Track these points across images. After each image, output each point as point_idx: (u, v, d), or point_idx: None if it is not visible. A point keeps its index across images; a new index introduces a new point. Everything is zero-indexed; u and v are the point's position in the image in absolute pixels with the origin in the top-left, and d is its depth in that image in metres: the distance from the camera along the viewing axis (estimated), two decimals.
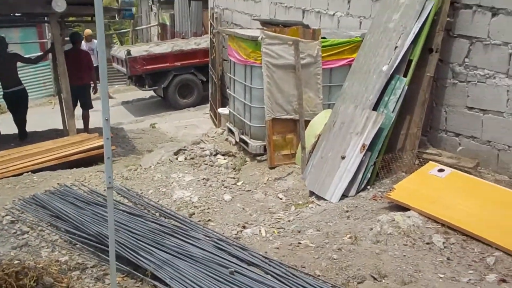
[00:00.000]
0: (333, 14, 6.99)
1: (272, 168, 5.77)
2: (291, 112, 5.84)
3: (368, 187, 4.64)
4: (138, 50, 11.83)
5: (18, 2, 7.47)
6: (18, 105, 8.73)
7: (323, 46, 5.87)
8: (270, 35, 5.74)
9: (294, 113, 5.83)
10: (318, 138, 5.38)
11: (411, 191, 4.06)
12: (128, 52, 11.52)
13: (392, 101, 4.84)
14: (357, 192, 4.57)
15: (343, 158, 4.71)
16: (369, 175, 4.66)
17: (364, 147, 4.62)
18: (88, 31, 13.05)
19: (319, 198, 4.72)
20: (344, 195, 4.57)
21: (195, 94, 12.34)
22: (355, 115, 4.94)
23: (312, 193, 4.88)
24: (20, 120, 8.80)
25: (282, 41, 5.75)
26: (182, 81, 11.99)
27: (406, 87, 4.81)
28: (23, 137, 8.73)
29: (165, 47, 11.98)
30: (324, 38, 5.94)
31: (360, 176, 4.61)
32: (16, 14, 8.94)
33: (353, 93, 5.22)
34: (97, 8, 2.96)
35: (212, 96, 10.00)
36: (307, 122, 5.76)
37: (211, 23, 10.58)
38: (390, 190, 4.16)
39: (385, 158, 4.71)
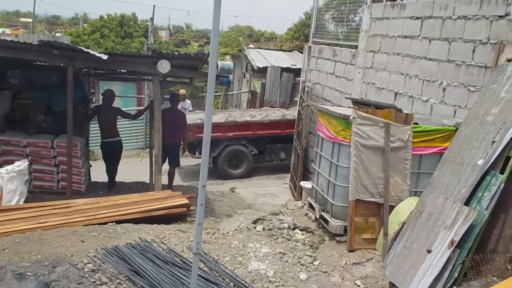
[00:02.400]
0: (427, 100, 6.92)
1: (351, 251, 5.61)
2: (376, 195, 5.71)
3: (455, 287, 4.35)
4: (192, 117, 12.16)
5: (127, 60, 8.10)
6: (112, 156, 9.27)
7: (414, 132, 5.77)
8: (362, 116, 5.74)
9: (379, 197, 5.70)
10: (403, 226, 5.19)
11: None
12: None
13: (486, 197, 4.60)
14: None
15: (429, 252, 4.49)
16: (456, 274, 4.38)
17: (452, 243, 4.38)
18: (182, 91, 13.80)
19: None
20: None
21: (245, 165, 12.49)
22: (444, 208, 4.74)
23: (392, 285, 4.65)
24: (111, 170, 9.30)
25: (374, 123, 5.72)
26: (232, 151, 12.21)
27: (503, 185, 4.57)
28: (112, 187, 9.18)
29: (220, 117, 12.31)
30: (416, 123, 5.86)
31: (447, 274, 4.35)
32: (122, 70, 9.68)
33: (444, 183, 5.04)
34: (210, 78, 3.11)
35: (293, 168, 10.06)
36: (391, 207, 5.60)
37: (301, 96, 10.82)
38: None
39: (475, 258, 4.43)
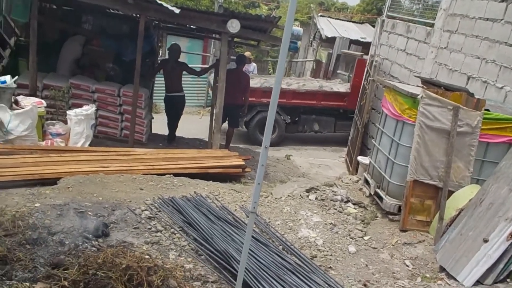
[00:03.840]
0: (502, 87, 6.60)
1: (403, 230, 5.55)
2: (435, 178, 5.58)
3: (508, 279, 4.24)
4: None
5: (199, 16, 8.15)
6: (175, 110, 9.47)
7: (484, 118, 5.55)
8: (431, 96, 5.57)
9: (438, 180, 5.57)
10: (460, 212, 5.07)
11: None
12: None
13: None
14: (494, 282, 4.20)
15: (485, 241, 4.37)
16: (511, 267, 4.27)
17: None
18: (248, 53, 13.76)
19: (449, 276, 4.42)
20: (478, 281, 4.23)
21: (276, 133, 12.26)
22: (508, 199, 4.58)
23: (442, 269, 4.59)
24: (172, 123, 9.51)
25: (442, 104, 5.55)
26: (265, 118, 11.76)
27: None
28: (171, 140, 9.40)
29: (255, 81, 12.03)
30: (487, 110, 5.63)
31: (502, 265, 4.23)
32: (192, 26, 9.75)
33: (510, 174, 4.85)
34: (284, 43, 3.08)
35: (351, 142, 9.95)
36: (450, 192, 5.48)
37: (367, 70, 10.58)
38: None
39: None
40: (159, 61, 10.42)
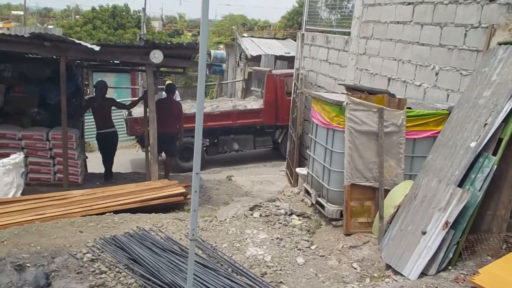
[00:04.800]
0: (420, 85, 6.96)
1: (347, 234, 5.68)
2: (370, 179, 5.78)
3: (450, 267, 4.43)
4: (140, 111, 11.60)
5: (120, 51, 8.09)
6: (108, 146, 9.29)
7: (408, 116, 5.82)
8: (355, 101, 5.78)
9: (373, 181, 5.77)
10: (398, 209, 5.26)
11: (497, 277, 3.84)
12: (129, 113, 11.63)
13: (479, 179, 4.67)
14: (438, 271, 4.37)
15: (424, 233, 4.56)
16: (451, 254, 4.45)
17: (447, 224, 4.45)
18: (169, 82, 13.79)
19: (396, 272, 4.56)
20: (423, 273, 4.38)
21: None
22: (438, 190, 4.81)
23: (388, 267, 4.73)
24: (108, 161, 9.32)
25: (367, 108, 5.77)
26: (183, 144, 11.40)
27: (495, 166, 4.63)
28: (108, 177, 9.20)
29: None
30: (409, 108, 5.91)
31: (442, 255, 4.42)
32: (115, 61, 9.65)
33: (437, 166, 5.10)
34: (200, 67, 3.14)
35: (289, 155, 10.11)
36: (386, 191, 5.68)
37: (295, 83, 10.84)
38: (474, 274, 3.96)
39: (469, 238, 4.50)
40: (86, 100, 10.22)
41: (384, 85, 7.78)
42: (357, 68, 8.86)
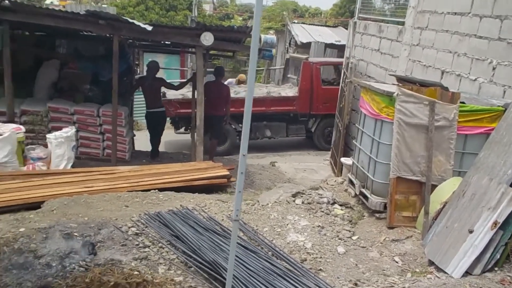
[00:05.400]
0: (475, 80, 6.73)
1: (390, 228, 5.60)
2: (417, 173, 5.66)
3: (496, 268, 4.29)
4: (174, 93, 11.80)
5: (171, 32, 8.18)
6: (156, 125, 9.47)
7: (460, 111, 5.65)
8: (406, 93, 5.65)
9: (420, 175, 5.65)
10: (444, 205, 5.13)
11: None
12: (163, 95, 11.54)
13: None
14: (483, 271, 4.25)
15: (470, 232, 4.43)
16: (498, 255, 4.32)
17: (496, 224, 4.31)
18: (242, 76, 13.83)
19: (438, 269, 4.47)
20: (467, 272, 4.27)
21: (228, 142, 12.21)
22: (489, 188, 4.65)
23: (431, 263, 4.63)
24: (155, 139, 9.51)
25: (418, 100, 5.63)
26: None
27: None
28: (155, 156, 9.39)
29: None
30: (462, 102, 5.73)
31: (488, 255, 4.29)
32: (167, 42, 9.78)
33: (489, 164, 4.93)
34: (253, 51, 3.13)
35: (334, 144, 10.02)
36: (433, 187, 5.54)
37: (344, 72, 10.69)
38: None
39: None
40: (136, 79, 10.42)
41: (437, 78, 7.56)
42: (410, 59, 8.64)
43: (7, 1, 7.31)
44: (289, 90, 13.34)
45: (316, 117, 13.06)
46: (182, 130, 12.41)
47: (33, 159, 7.19)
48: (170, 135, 10.53)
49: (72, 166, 7.40)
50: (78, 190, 6.14)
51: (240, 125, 12.14)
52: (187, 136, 12.18)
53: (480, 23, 6.74)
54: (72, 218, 5.08)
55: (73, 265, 3.88)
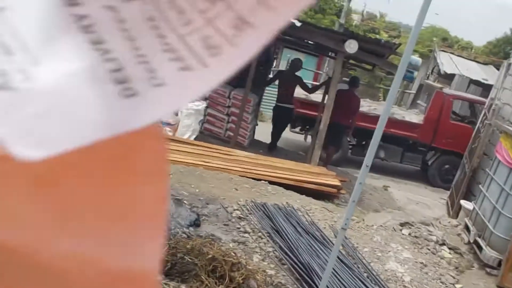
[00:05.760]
0: None
1: (500, 287, 5.14)
2: None
3: None
4: (298, 92, 10.66)
5: (318, 32, 8.20)
6: (282, 120, 9.63)
7: None
8: None
9: None
10: None
11: None
12: None
13: None
14: None
15: None
16: None
17: None
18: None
19: None
20: None
21: (339, 153, 11.11)
22: None
23: None
24: (276, 133, 9.66)
25: None
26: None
27: None
28: (272, 149, 9.53)
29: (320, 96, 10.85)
30: None
31: None
32: (310, 42, 9.82)
33: None
34: (400, 68, 3.03)
35: (456, 184, 9.42)
36: None
37: (485, 113, 10.01)
38: None
39: None
40: (275, 72, 10.60)
41: None
42: None
43: None
44: (415, 116, 12.75)
45: (436, 150, 12.29)
46: (297, 129, 12.37)
47: (163, 124, 7.61)
48: (286, 132, 10.61)
49: (195, 139, 7.75)
50: (195, 162, 6.41)
51: (355, 139, 11.87)
52: (302, 137, 12.21)
53: None
54: (185, 186, 5.32)
55: (178, 229, 4.05)
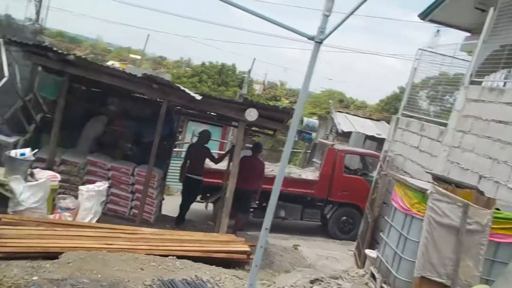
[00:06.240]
0: None
1: None
2: (443, 276, 5.41)
3: None
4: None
5: (219, 103, 8.42)
6: (191, 192, 9.60)
7: (495, 217, 5.47)
8: (441, 192, 5.56)
9: (446, 278, 5.40)
10: None
11: None
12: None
13: None
14: None
15: None
16: None
17: None
18: None
19: None
20: None
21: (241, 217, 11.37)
22: None
23: None
24: (185, 205, 9.59)
25: (452, 201, 5.51)
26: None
27: None
28: (180, 222, 9.39)
29: (224, 164, 11.23)
30: (498, 209, 5.55)
31: None
32: (212, 113, 10.06)
33: None
34: (291, 130, 3.20)
35: (361, 235, 9.77)
36: None
37: (380, 165, 10.63)
38: None
39: None
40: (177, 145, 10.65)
41: (475, 182, 7.36)
42: (448, 160, 8.52)
43: (72, 56, 7.81)
44: (311, 174, 13.27)
45: (334, 204, 12.84)
46: (198, 198, 12.26)
47: (61, 209, 7.30)
48: (193, 204, 10.59)
49: (97, 221, 7.46)
50: (97, 246, 6.14)
51: (257, 201, 11.94)
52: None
53: None
54: (86, 273, 5.08)
55: None
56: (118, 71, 8.28)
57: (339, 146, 13.82)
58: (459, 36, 10.56)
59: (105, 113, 9.91)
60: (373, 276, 6.60)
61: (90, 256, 5.70)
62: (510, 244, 5.45)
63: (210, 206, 12.11)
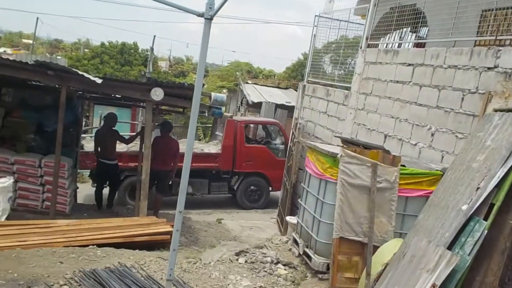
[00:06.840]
0: (415, 144, 7.00)
1: None
2: (360, 234, 5.70)
3: None
4: (91, 145, 10.97)
5: (121, 85, 8.17)
6: (104, 176, 9.36)
7: (401, 174, 5.81)
8: (350, 154, 5.79)
9: (363, 236, 5.69)
10: (386, 267, 5.15)
11: None
12: (81, 147, 11.24)
13: (469, 243, 4.60)
14: None
15: None
16: None
17: (434, 286, 4.35)
18: None
19: None
20: None
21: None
22: (427, 251, 4.73)
23: None
24: (112, 192, 9.76)
25: (361, 162, 5.76)
26: (133, 182, 10.85)
27: (486, 231, 4.57)
28: (110, 207, 9.32)
29: (122, 146, 11.41)
30: (403, 166, 5.91)
31: None
32: (117, 95, 9.75)
33: (428, 227, 5.04)
34: (194, 107, 3.17)
35: (281, 203, 10.04)
36: (375, 248, 5.58)
37: (292, 132, 10.89)
38: None
39: None
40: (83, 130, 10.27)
41: (381, 141, 7.81)
42: (355, 122, 8.92)
43: None
44: (213, 147, 13.37)
45: (239, 175, 13.04)
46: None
47: None
48: (86, 189, 10.35)
49: (7, 218, 7.06)
50: (10, 244, 5.86)
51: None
52: None
53: (420, 92, 7.08)
54: (1, 274, 4.82)
55: None
56: (7, 59, 7.73)
57: (238, 117, 13.92)
58: (352, 1, 10.89)
59: (0, 105, 9.29)
60: (295, 241, 6.83)
61: (3, 255, 5.44)
62: (417, 197, 5.83)
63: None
